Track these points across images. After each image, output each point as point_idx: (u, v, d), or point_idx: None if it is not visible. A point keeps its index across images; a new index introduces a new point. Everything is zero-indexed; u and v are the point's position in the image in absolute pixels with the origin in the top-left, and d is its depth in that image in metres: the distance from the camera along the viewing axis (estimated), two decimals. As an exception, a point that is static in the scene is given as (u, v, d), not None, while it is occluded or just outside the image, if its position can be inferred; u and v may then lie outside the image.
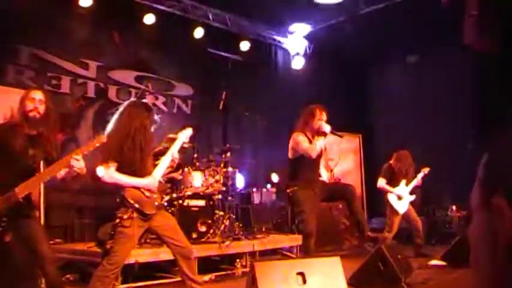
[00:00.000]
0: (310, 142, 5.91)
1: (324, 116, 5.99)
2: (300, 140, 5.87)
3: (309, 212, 5.85)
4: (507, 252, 0.68)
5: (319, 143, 5.86)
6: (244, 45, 10.81)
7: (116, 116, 4.32)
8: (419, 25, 10.02)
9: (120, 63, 9.41)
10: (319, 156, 6.04)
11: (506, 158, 0.72)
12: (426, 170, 8.44)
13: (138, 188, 4.15)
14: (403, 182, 8.28)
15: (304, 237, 5.90)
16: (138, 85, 9.28)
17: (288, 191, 6.01)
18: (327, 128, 5.90)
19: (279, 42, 11.68)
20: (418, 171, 8.43)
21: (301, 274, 4.34)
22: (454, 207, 10.53)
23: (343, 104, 12.27)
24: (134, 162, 4.14)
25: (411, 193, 8.30)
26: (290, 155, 6.02)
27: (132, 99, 7.50)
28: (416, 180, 8.38)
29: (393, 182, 8.28)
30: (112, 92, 9.23)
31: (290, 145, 6.02)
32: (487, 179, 0.73)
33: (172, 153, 4.55)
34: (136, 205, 4.08)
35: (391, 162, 8.44)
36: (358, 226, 6.21)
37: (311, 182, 5.96)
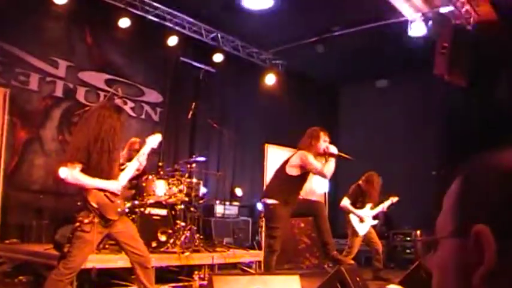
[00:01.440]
0: None
1: (327, 138, 5.97)
2: (311, 160, 5.77)
3: (282, 230, 5.84)
4: (484, 281, 0.68)
5: (331, 164, 5.86)
6: (218, 57, 10.81)
7: (85, 117, 4.26)
8: (390, 51, 10.18)
9: (91, 64, 9.29)
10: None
11: (488, 184, 0.71)
12: (395, 199, 8.39)
13: (102, 192, 4.08)
14: (369, 205, 8.21)
15: (270, 253, 5.86)
16: (108, 88, 9.12)
17: (268, 202, 5.85)
18: (334, 149, 5.90)
19: (252, 57, 11.71)
20: (384, 196, 8.37)
21: (259, 290, 4.33)
22: (418, 233, 10.58)
23: (312, 123, 12.30)
24: (101, 165, 4.07)
25: (374, 218, 8.26)
26: (296, 172, 5.85)
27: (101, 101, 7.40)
28: (382, 207, 8.32)
29: (359, 203, 8.20)
30: (81, 93, 9.10)
31: (296, 162, 5.86)
32: (465, 206, 0.73)
33: (140, 158, 4.50)
34: (99, 209, 4.01)
35: (360, 182, 8.33)
36: (324, 244, 6.19)
37: (292, 201, 5.89)
